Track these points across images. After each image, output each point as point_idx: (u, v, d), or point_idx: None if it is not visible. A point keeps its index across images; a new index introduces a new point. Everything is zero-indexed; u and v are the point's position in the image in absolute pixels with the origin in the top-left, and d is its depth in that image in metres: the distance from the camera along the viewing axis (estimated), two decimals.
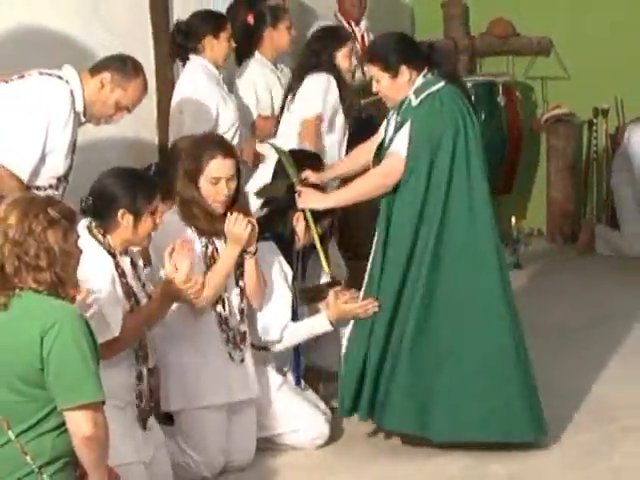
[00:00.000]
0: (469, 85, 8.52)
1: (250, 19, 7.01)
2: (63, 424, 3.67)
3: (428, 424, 5.16)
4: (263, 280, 5.32)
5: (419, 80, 5.27)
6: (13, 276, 3.67)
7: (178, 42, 6.61)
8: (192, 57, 6.54)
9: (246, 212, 5.24)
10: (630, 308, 7.34)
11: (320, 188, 5.58)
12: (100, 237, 4.67)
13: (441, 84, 5.26)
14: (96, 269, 4.54)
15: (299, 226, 5.50)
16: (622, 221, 8.79)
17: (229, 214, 5.07)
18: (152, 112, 7.13)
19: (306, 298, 5.60)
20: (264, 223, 5.48)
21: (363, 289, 5.35)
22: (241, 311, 5.24)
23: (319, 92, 6.58)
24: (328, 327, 5.40)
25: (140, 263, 4.94)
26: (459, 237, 5.22)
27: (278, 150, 5.79)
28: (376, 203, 5.35)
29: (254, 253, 5.17)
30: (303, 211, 5.46)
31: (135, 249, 4.88)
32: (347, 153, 6.42)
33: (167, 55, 7.15)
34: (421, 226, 5.18)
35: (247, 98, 6.87)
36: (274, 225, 5.53)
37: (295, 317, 5.48)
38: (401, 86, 5.26)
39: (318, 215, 5.51)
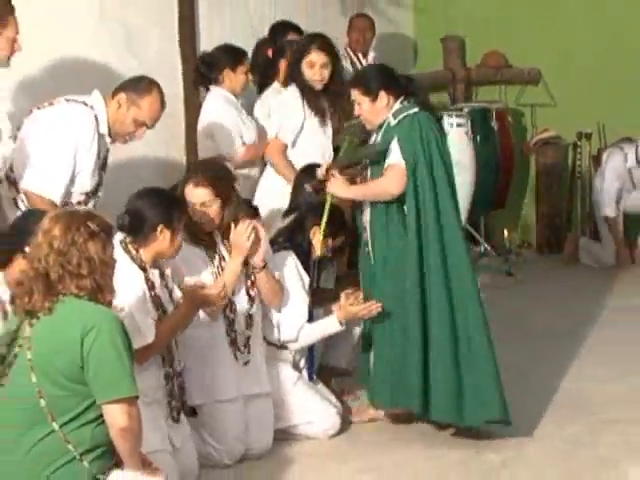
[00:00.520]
0: (466, 111, 8.55)
1: (269, 53, 7.01)
2: (101, 416, 3.67)
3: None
4: (280, 286, 5.34)
5: (396, 105, 5.31)
6: (57, 283, 3.68)
7: (201, 72, 6.62)
8: (212, 87, 6.54)
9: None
10: (610, 314, 7.31)
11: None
12: (134, 252, 4.69)
13: (416, 109, 5.31)
14: (129, 283, 4.55)
15: (315, 238, 5.51)
16: (603, 234, 8.78)
17: (233, 225, 5.10)
18: (180, 134, 7.15)
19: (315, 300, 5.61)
20: (285, 234, 5.58)
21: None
22: (249, 317, 5.23)
23: None
24: (339, 327, 5.38)
25: (168, 272, 4.94)
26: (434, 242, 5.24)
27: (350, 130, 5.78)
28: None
29: (263, 267, 5.18)
30: (322, 202, 5.48)
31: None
32: None
33: (194, 82, 7.19)
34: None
35: (264, 122, 6.86)
36: (294, 236, 5.56)
37: (311, 319, 5.48)
38: (379, 110, 5.31)
39: (335, 230, 5.55)
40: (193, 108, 7.24)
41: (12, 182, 5.07)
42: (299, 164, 6.25)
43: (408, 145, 5.18)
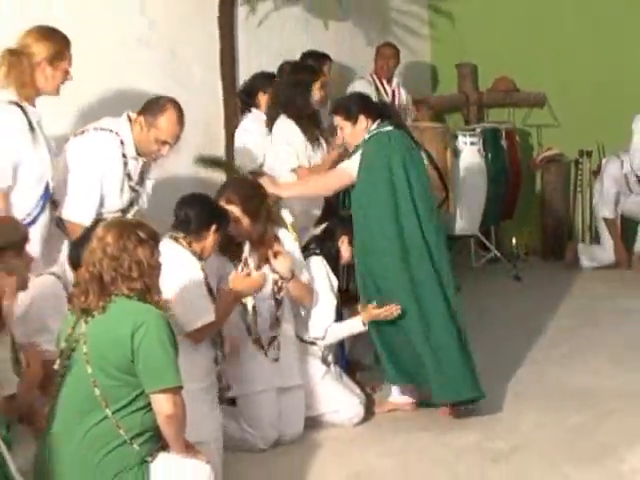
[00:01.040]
0: (478, 130, 8.53)
1: None
2: (149, 404, 3.69)
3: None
4: (310, 289, 5.36)
5: (373, 126, 5.37)
6: (110, 284, 3.70)
7: (242, 99, 6.62)
8: (253, 110, 6.53)
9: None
10: (609, 314, 7.26)
11: None
12: (186, 245, 4.71)
13: (390, 128, 5.38)
14: (190, 269, 4.66)
15: (343, 246, 5.54)
16: (602, 235, 8.73)
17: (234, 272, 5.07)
18: (221, 155, 7.14)
19: (343, 301, 5.62)
20: (316, 242, 5.63)
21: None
22: (275, 318, 5.23)
23: None
24: (362, 328, 5.40)
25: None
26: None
27: None
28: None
29: (291, 278, 5.21)
30: None
31: None
32: None
33: (234, 107, 7.20)
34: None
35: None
36: (324, 245, 5.59)
37: (340, 318, 5.51)
38: (359, 132, 5.39)
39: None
40: (232, 128, 7.24)
41: (54, 204, 5.05)
42: None
43: (368, 158, 5.29)
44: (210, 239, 4.76)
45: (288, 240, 5.36)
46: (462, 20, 9.35)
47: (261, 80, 6.66)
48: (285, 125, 6.16)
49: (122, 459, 3.62)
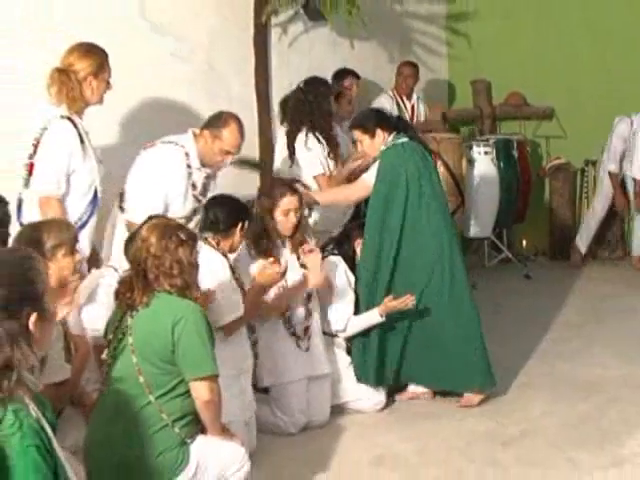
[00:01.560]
0: (492, 141, 8.49)
1: None
2: (188, 391, 3.71)
3: None
4: (330, 284, 5.36)
5: (390, 138, 5.36)
6: (153, 281, 3.72)
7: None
8: None
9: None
10: (613, 310, 7.21)
11: None
12: (215, 244, 4.72)
13: (405, 139, 5.35)
14: (219, 268, 4.65)
15: (358, 247, 5.54)
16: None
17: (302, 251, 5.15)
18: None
19: None
20: (334, 243, 5.63)
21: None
22: (307, 310, 5.22)
23: None
24: (380, 319, 5.35)
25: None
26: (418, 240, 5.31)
27: None
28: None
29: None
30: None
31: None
32: None
33: (267, 120, 7.21)
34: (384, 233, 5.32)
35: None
36: (342, 246, 5.59)
37: (357, 312, 5.48)
38: (377, 145, 5.38)
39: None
40: (265, 140, 7.27)
41: (124, 211, 5.11)
42: None
43: (385, 169, 5.26)
44: (237, 236, 4.76)
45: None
46: (477, 40, 9.33)
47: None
48: (307, 137, 6.18)
49: (164, 440, 3.64)
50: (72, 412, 4.10)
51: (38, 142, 4.73)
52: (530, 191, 9.05)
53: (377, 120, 5.44)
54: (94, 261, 4.96)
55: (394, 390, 5.59)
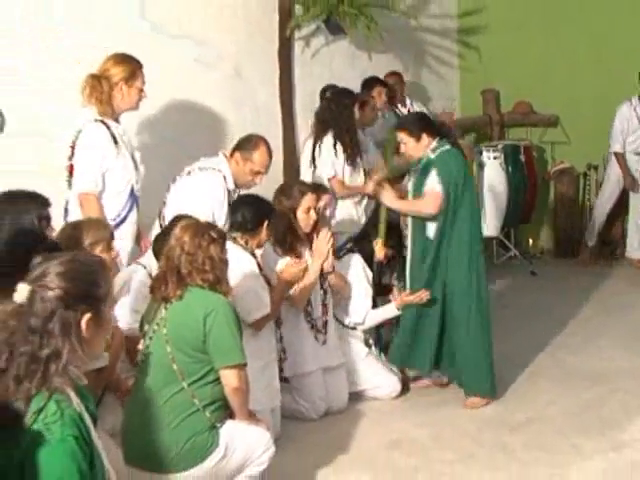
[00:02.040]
0: (500, 147, 8.47)
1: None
2: (218, 378, 3.72)
3: None
4: (346, 280, 5.36)
5: (434, 143, 5.24)
6: (187, 276, 3.73)
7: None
8: None
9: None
10: (617, 306, 7.17)
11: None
12: (243, 244, 4.71)
13: (449, 146, 5.26)
14: (248, 267, 4.64)
15: (377, 246, 5.54)
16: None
17: (315, 235, 5.11)
18: (279, 166, 7.16)
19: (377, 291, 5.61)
20: (353, 241, 5.64)
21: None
22: (324, 305, 5.22)
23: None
24: (396, 312, 5.38)
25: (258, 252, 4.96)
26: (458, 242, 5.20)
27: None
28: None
29: (332, 270, 5.19)
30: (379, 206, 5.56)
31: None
32: None
33: (291, 128, 7.21)
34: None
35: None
36: (362, 244, 5.58)
37: (374, 305, 5.50)
38: (421, 148, 5.25)
39: (392, 243, 5.63)
40: (289, 145, 7.28)
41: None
42: None
43: (444, 175, 5.14)
44: (263, 234, 4.75)
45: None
46: (486, 53, 9.30)
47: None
48: (329, 141, 6.17)
49: (195, 424, 3.65)
50: (109, 398, 4.12)
51: (74, 145, 4.78)
52: (536, 193, 9.02)
53: (423, 125, 5.32)
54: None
55: (408, 379, 5.58)
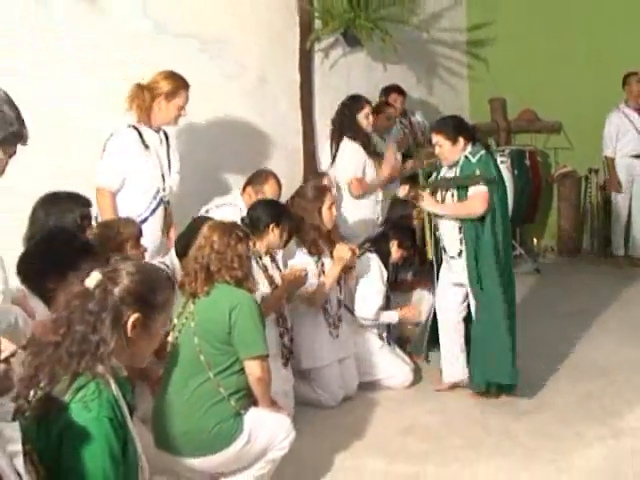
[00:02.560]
0: (507, 152, 8.49)
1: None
2: (243, 368, 3.71)
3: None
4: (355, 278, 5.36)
5: (469, 147, 5.03)
6: (216, 273, 3.73)
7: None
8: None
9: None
10: (616, 301, 7.12)
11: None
12: (251, 246, 4.67)
13: (484, 150, 5.07)
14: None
15: (393, 248, 5.53)
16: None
17: (337, 244, 5.13)
18: (299, 172, 7.15)
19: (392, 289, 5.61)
20: (372, 242, 5.57)
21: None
22: (339, 302, 5.21)
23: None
24: (396, 320, 5.47)
25: (278, 257, 4.94)
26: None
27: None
28: None
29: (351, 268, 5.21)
30: (419, 212, 5.30)
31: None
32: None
33: (311, 135, 7.19)
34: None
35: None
36: (378, 245, 5.54)
37: (388, 303, 5.49)
38: (456, 151, 5.01)
39: (408, 245, 5.57)
40: (308, 150, 7.26)
41: None
42: None
43: (488, 177, 4.93)
44: (271, 236, 4.66)
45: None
46: (494, 64, 9.27)
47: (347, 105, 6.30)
48: (346, 144, 6.11)
49: (221, 412, 3.64)
50: (140, 386, 4.11)
51: (105, 146, 4.80)
52: (540, 195, 9.01)
53: (460, 128, 5.08)
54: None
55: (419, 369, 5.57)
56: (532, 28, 9.12)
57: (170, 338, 3.79)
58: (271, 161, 6.26)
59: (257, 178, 5.39)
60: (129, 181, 4.80)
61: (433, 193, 5.16)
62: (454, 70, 9.23)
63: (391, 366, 5.39)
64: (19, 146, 2.73)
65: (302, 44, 7.22)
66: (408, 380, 5.37)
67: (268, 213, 4.69)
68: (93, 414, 2.33)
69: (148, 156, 4.83)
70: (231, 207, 5.24)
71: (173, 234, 5.03)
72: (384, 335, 5.53)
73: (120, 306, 2.46)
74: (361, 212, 6.18)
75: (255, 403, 3.79)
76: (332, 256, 5.14)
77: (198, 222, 4.26)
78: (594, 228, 8.95)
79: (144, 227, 4.67)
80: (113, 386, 2.43)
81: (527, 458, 4.32)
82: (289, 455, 3.82)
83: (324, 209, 5.10)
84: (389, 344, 5.56)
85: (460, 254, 5.04)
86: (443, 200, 5.13)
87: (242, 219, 4.69)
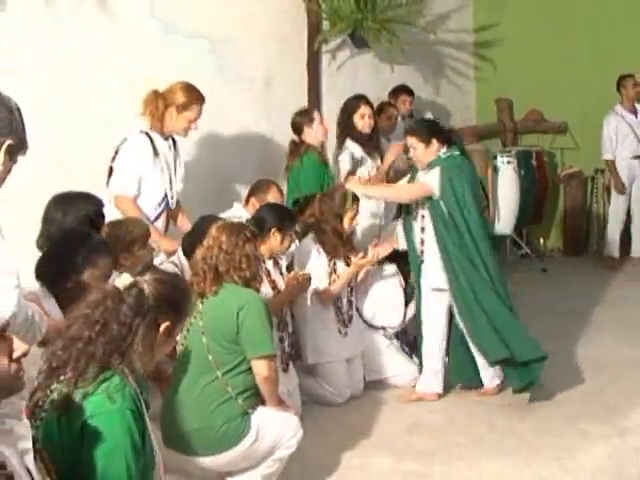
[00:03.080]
0: (514, 152, 8.45)
1: None
2: (250, 368, 3.72)
3: None
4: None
5: (443, 149, 4.99)
6: (224, 273, 3.74)
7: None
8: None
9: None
10: (619, 300, 7.13)
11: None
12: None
13: (458, 153, 5.01)
14: None
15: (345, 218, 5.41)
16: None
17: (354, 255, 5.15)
18: None
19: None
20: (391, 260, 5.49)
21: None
22: (349, 301, 5.23)
23: None
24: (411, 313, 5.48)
25: (282, 261, 4.93)
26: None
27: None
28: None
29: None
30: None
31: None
32: None
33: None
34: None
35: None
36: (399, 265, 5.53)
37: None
38: (430, 153, 4.97)
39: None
40: None
41: None
42: None
43: (444, 177, 4.90)
44: (272, 239, 4.60)
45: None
46: (501, 64, 9.26)
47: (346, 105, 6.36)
48: (348, 144, 6.05)
49: (229, 411, 3.66)
50: (150, 385, 4.13)
51: (118, 150, 4.81)
52: (547, 196, 9.00)
53: (434, 130, 5.05)
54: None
55: None
56: (538, 29, 9.10)
57: (179, 338, 3.81)
58: (277, 161, 6.26)
59: (259, 188, 5.37)
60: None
61: None
62: (461, 71, 9.22)
63: (398, 365, 5.40)
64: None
65: (310, 45, 7.23)
66: (414, 378, 5.36)
67: (272, 216, 4.66)
68: (117, 405, 2.38)
69: (157, 163, 4.85)
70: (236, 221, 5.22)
71: (184, 221, 5.04)
72: (391, 334, 5.53)
73: (156, 312, 2.54)
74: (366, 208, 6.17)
75: (263, 402, 3.81)
76: (346, 259, 5.16)
77: (205, 221, 4.28)
78: (600, 228, 8.93)
79: (155, 225, 4.70)
80: (133, 384, 2.49)
81: (532, 456, 4.33)
82: (295, 453, 3.83)
83: (346, 218, 5.12)
84: (403, 343, 5.58)
85: (423, 253, 5.08)
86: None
87: (247, 220, 4.69)
